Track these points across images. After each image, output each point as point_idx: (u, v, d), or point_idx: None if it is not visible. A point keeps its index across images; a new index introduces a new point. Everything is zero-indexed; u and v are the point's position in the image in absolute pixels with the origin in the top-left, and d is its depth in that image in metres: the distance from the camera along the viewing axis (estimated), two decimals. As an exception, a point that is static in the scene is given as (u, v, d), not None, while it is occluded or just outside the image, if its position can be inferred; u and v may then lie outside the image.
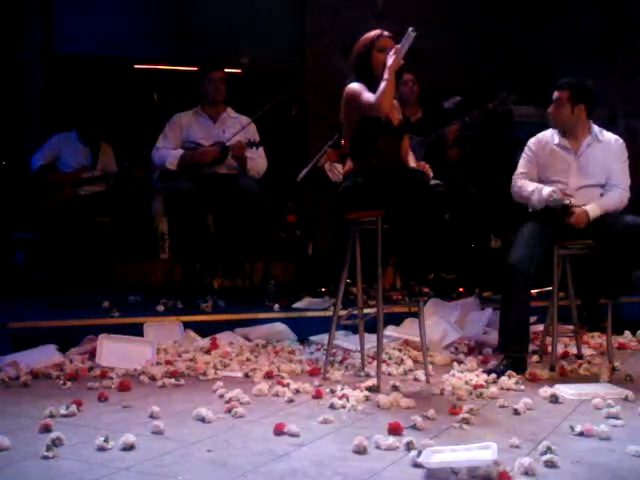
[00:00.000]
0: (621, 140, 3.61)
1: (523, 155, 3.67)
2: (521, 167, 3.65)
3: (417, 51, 3.15)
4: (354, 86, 3.21)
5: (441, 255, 3.25)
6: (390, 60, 3.08)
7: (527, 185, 3.57)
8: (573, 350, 3.80)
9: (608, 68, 6.31)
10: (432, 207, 2.98)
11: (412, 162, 3.36)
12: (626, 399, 2.86)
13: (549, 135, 3.63)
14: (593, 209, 3.41)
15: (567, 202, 3.41)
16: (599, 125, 3.62)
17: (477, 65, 6.76)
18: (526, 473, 1.99)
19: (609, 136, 3.60)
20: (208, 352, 3.59)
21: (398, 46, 3.09)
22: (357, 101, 3.16)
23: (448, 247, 4.41)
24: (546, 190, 3.46)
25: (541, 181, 3.59)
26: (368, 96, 3.13)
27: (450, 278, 4.97)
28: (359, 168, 3.21)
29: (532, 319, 3.80)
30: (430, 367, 3.26)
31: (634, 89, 6.28)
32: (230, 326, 3.96)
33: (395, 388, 2.94)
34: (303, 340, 3.99)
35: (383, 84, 3.07)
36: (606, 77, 6.16)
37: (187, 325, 3.90)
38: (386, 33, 3.26)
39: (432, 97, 5.23)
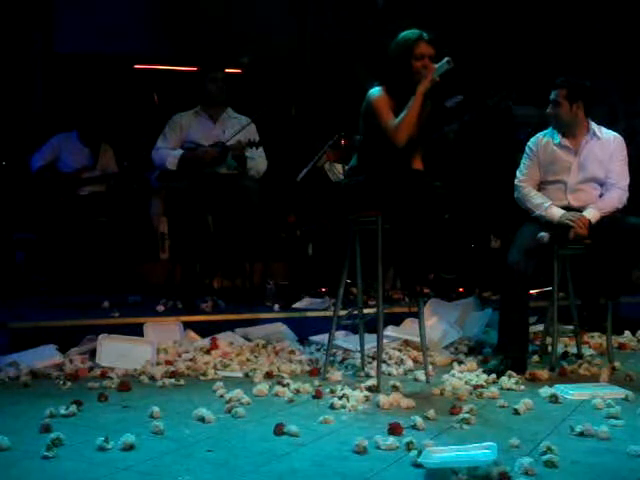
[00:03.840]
0: (620, 138, 3.58)
1: (524, 157, 3.64)
2: (523, 170, 3.60)
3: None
4: (379, 100, 3.06)
5: (441, 255, 3.23)
6: (421, 85, 2.97)
7: (532, 197, 3.52)
8: (573, 350, 3.81)
9: (608, 68, 6.31)
10: (432, 207, 2.97)
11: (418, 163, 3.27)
12: (626, 399, 2.86)
13: (549, 135, 3.61)
14: (593, 215, 3.36)
15: (570, 235, 3.35)
16: (599, 123, 3.62)
17: (477, 65, 6.75)
18: (526, 473, 1.99)
19: (608, 134, 3.58)
20: (208, 352, 3.59)
21: (435, 66, 2.97)
22: (378, 119, 3.05)
23: (448, 247, 4.41)
24: (555, 214, 3.41)
25: (542, 181, 3.59)
26: (389, 121, 3.00)
27: (450, 278, 4.96)
28: (362, 166, 3.19)
29: (532, 319, 3.80)
30: (430, 367, 3.27)
31: (634, 89, 6.29)
32: (230, 326, 3.96)
33: (395, 388, 2.94)
34: (303, 340, 3.99)
35: (405, 112, 2.95)
36: (606, 77, 6.17)
37: (187, 325, 3.90)
38: (425, 35, 3.05)
39: (433, 97, 5.21)
